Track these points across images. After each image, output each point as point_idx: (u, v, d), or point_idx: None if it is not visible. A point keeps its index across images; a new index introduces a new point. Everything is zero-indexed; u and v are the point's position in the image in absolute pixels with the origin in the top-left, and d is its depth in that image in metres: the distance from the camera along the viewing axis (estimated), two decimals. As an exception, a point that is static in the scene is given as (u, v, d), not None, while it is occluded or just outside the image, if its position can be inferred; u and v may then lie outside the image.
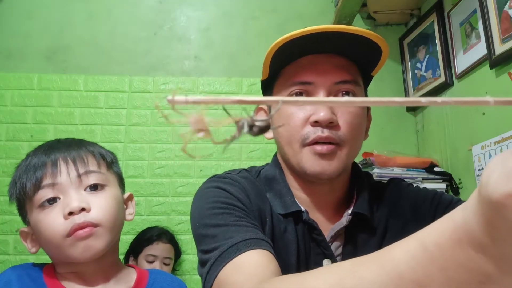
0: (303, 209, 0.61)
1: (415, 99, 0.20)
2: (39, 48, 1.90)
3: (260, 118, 0.24)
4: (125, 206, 0.73)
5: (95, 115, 1.85)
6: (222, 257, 0.51)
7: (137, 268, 0.75)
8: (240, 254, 0.50)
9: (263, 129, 0.24)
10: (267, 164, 0.69)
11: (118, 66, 1.90)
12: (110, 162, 0.71)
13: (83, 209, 0.62)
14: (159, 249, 1.48)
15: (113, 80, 1.88)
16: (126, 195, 0.74)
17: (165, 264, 1.48)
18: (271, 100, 0.21)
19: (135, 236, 1.63)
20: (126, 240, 1.70)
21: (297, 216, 0.61)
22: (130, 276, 0.71)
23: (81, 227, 0.61)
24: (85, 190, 0.65)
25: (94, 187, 0.66)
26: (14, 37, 1.91)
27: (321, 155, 0.57)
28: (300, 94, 0.60)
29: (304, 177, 0.62)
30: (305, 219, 0.60)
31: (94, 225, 0.63)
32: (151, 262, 1.46)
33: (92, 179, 0.66)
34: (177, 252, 1.60)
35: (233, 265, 0.49)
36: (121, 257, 1.45)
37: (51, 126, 1.81)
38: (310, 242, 0.60)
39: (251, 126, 0.23)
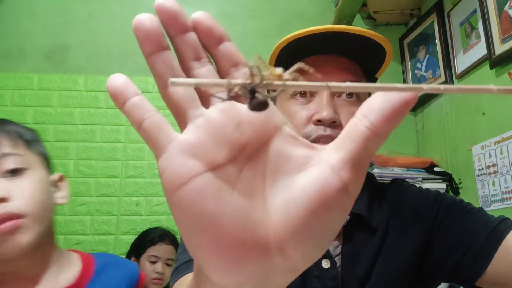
0: None
1: (417, 86, 0.19)
2: (39, 48, 1.90)
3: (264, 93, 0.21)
4: (55, 189, 0.65)
5: (95, 115, 1.85)
6: (177, 271, 0.57)
7: (80, 253, 0.68)
8: (187, 274, 0.54)
9: (263, 105, 0.21)
10: None
11: (118, 66, 1.90)
12: (30, 141, 0.62)
13: (2, 199, 0.54)
14: (161, 250, 1.49)
15: (113, 80, 1.88)
16: (55, 176, 0.66)
17: (167, 265, 1.48)
18: (317, 85, 0.19)
19: (135, 236, 1.63)
20: (126, 240, 1.70)
21: None
22: (74, 263, 0.64)
23: (2, 220, 0.53)
24: (2, 177, 0.56)
25: (13, 172, 0.57)
26: (14, 37, 1.91)
27: None
28: (304, 93, 0.60)
29: None
30: None
31: (18, 216, 0.54)
32: (153, 263, 1.46)
33: (9, 163, 0.57)
34: None
35: (179, 282, 0.54)
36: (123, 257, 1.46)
37: (51, 126, 1.81)
38: None
39: (251, 93, 0.20)
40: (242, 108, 0.23)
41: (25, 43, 1.90)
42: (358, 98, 0.60)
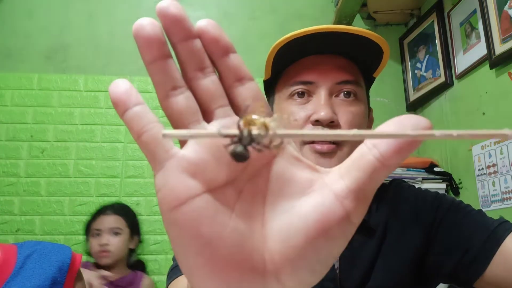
0: None
1: (429, 132, 0.18)
2: (39, 48, 1.90)
3: (260, 132, 0.20)
4: None
5: (95, 115, 1.85)
6: (173, 271, 0.57)
7: (1, 246, 0.66)
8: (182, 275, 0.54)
9: (242, 157, 0.20)
10: None
11: (118, 66, 1.90)
12: None
13: None
14: (102, 222, 1.46)
15: (113, 80, 1.87)
16: None
17: (115, 233, 1.45)
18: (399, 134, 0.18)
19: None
20: (126, 240, 1.70)
21: None
22: None
23: None
24: None
25: None
26: (14, 37, 1.91)
27: (321, 154, 0.57)
28: (302, 93, 0.60)
29: None
30: None
31: None
32: (97, 236, 1.44)
33: None
34: (133, 225, 1.56)
35: (174, 283, 0.55)
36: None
37: (51, 126, 1.81)
38: None
39: (249, 142, 0.20)
40: None
41: (25, 43, 1.90)
42: (356, 97, 0.60)
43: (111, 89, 0.22)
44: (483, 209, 0.60)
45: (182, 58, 0.22)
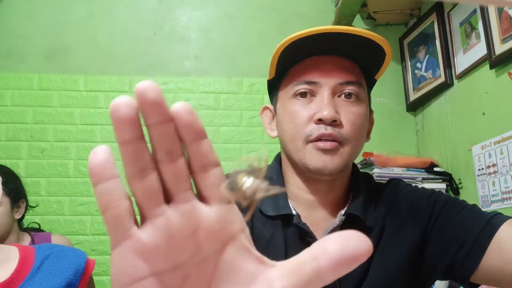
0: (294, 212, 0.61)
1: None
2: (39, 48, 1.90)
3: (270, 188, 0.24)
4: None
5: (95, 115, 1.85)
6: None
7: (19, 247, 0.68)
8: None
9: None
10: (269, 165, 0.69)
11: (118, 66, 1.90)
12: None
13: None
14: None
15: (113, 80, 1.88)
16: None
17: None
18: None
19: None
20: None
21: (287, 219, 0.61)
22: (11, 258, 0.65)
23: None
24: None
25: None
26: (14, 37, 1.91)
27: (324, 151, 0.58)
28: (305, 93, 0.61)
29: (305, 175, 0.63)
30: (295, 223, 0.60)
31: None
32: None
33: None
34: (15, 190, 1.27)
35: None
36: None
37: (51, 126, 1.81)
38: (301, 244, 0.60)
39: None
40: (203, 211, 0.23)
41: (25, 43, 1.90)
42: (357, 98, 0.61)
43: (90, 157, 0.22)
44: (483, 209, 0.60)
45: (153, 139, 0.23)
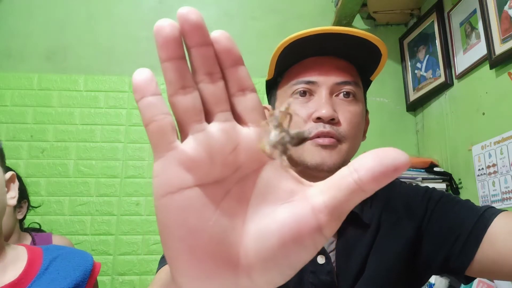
0: None
1: None
2: (39, 48, 1.90)
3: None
4: (6, 189, 0.63)
5: (95, 115, 1.85)
6: (163, 258, 0.59)
7: (27, 247, 0.67)
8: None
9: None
10: None
11: (118, 66, 1.90)
12: None
13: None
14: None
15: (113, 80, 1.88)
16: (7, 175, 0.64)
17: None
18: None
19: (135, 236, 1.63)
20: (126, 240, 1.70)
21: None
22: (20, 258, 0.64)
23: None
24: None
25: None
26: (14, 37, 1.91)
27: (323, 146, 0.59)
28: (304, 92, 0.62)
29: (304, 172, 0.63)
30: None
31: None
32: None
33: None
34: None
35: (162, 269, 0.56)
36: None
37: (51, 126, 1.81)
38: None
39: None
40: (242, 131, 0.24)
41: (25, 43, 1.90)
42: (355, 98, 0.63)
43: (135, 75, 0.23)
44: (483, 209, 0.61)
45: (195, 61, 0.24)
